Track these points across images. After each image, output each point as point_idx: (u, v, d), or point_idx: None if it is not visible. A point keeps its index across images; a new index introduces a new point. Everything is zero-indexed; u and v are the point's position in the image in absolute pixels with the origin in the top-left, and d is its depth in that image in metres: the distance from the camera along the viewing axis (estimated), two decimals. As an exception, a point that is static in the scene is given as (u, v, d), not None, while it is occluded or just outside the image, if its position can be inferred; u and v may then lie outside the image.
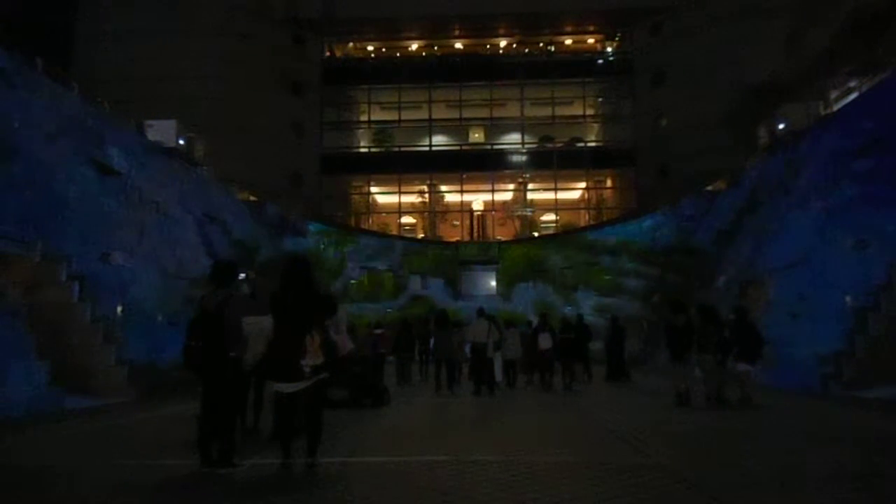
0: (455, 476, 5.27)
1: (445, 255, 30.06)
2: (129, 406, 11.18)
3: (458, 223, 36.95)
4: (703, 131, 29.07)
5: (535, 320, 17.15)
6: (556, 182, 36.55)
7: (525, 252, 29.86)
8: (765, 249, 18.30)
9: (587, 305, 25.20)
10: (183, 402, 10.09)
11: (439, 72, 36.01)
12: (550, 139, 36.87)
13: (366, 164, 37.04)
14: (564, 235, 31.77)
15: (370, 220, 36.86)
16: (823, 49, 23.11)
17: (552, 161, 35.64)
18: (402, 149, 36.69)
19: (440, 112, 36.83)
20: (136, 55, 29.80)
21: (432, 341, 14.88)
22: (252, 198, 27.31)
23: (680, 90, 31.57)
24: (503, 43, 38.23)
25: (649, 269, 25.70)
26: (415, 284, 29.01)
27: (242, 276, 6.78)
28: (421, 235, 36.10)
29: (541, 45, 37.55)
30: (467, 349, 13.68)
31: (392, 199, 37.62)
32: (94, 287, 13.19)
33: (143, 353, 13.48)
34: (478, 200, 37.58)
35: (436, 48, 38.33)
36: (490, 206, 36.94)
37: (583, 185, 37.24)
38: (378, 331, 16.33)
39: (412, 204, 37.64)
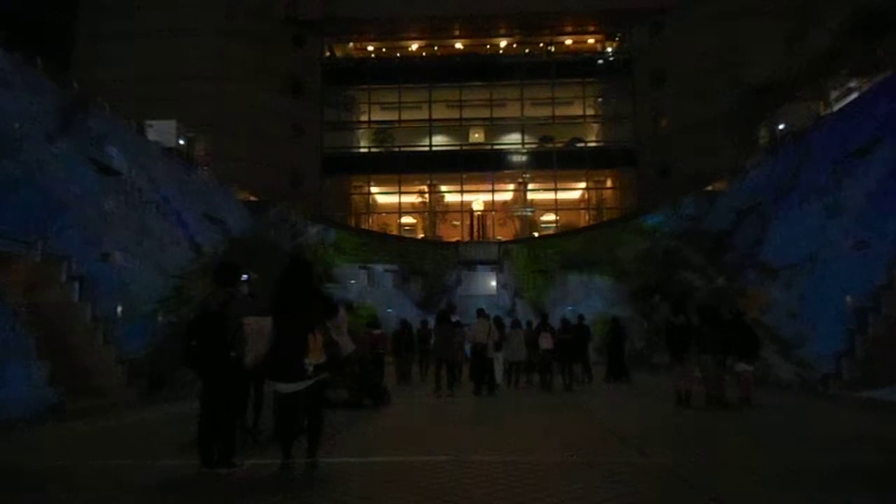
0: (455, 476, 5.26)
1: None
2: (129, 406, 11.18)
3: (458, 223, 36.96)
4: (703, 131, 29.05)
5: (535, 320, 17.15)
6: (556, 182, 36.56)
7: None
8: (765, 249, 18.31)
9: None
10: (183, 402, 10.09)
11: (439, 72, 36.01)
12: (550, 139, 36.87)
13: (366, 164, 37.05)
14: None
15: (370, 220, 36.88)
16: (823, 49, 23.10)
17: (552, 161, 35.65)
18: (402, 149, 36.70)
19: (440, 112, 36.83)
20: (136, 55, 29.80)
21: (432, 341, 14.88)
22: (252, 198, 27.30)
23: (680, 90, 31.57)
24: (503, 43, 38.23)
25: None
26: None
27: (245, 277, 6.78)
28: (421, 235, 36.12)
29: (541, 45, 37.54)
30: (467, 349, 13.67)
31: (392, 199, 37.64)
32: (94, 287, 13.19)
33: (143, 352, 13.48)
34: (478, 200, 37.60)
35: (436, 48, 38.34)
36: (490, 206, 36.95)
37: (583, 185, 37.25)
38: (376, 331, 16.31)
39: (412, 204, 37.65)
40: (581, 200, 37.63)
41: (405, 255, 29.01)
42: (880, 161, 15.06)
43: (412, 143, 37.01)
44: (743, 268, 19.17)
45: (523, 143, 36.54)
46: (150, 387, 12.75)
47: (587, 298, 24.94)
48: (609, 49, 37.41)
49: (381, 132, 37.59)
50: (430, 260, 29.29)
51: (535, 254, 29.03)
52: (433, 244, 32.50)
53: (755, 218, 20.14)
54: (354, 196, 38.08)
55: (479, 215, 37.19)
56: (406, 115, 36.91)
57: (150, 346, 13.86)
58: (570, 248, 28.20)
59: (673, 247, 23.69)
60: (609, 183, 37.85)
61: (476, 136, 37.60)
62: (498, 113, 36.91)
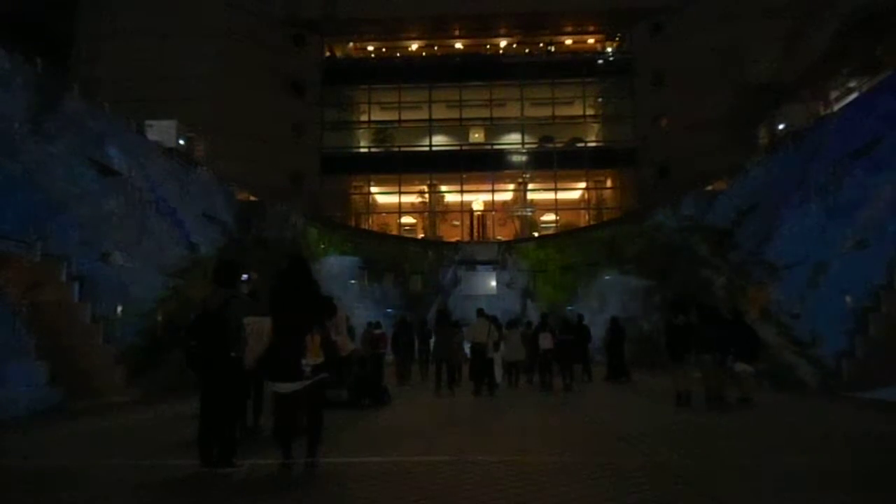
0: (455, 476, 5.27)
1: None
2: (129, 406, 11.18)
3: (458, 223, 36.97)
4: (703, 131, 29.04)
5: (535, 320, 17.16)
6: (556, 182, 36.56)
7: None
8: (765, 249, 18.30)
9: None
10: (183, 402, 10.09)
11: (439, 72, 36.00)
12: (550, 139, 36.88)
13: (366, 164, 37.04)
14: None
15: (370, 220, 36.88)
16: (823, 49, 23.11)
17: (552, 161, 35.65)
18: (402, 149, 36.70)
19: (440, 112, 36.84)
20: (136, 55, 29.77)
21: (432, 341, 14.89)
22: (252, 198, 27.29)
23: (680, 90, 31.55)
24: (503, 43, 38.24)
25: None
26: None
27: (245, 277, 6.78)
28: (421, 235, 36.14)
29: (541, 45, 37.55)
30: (467, 349, 13.68)
31: (392, 199, 37.64)
32: (94, 287, 13.19)
33: (143, 352, 13.48)
34: (478, 200, 37.61)
35: (436, 48, 38.34)
36: (490, 206, 36.96)
37: (583, 185, 37.25)
38: (377, 331, 16.34)
39: (412, 204, 37.65)
40: (581, 200, 37.63)
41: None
42: (880, 160, 15.06)
43: (412, 143, 37.00)
44: (748, 266, 19.10)
45: (523, 143, 36.54)
46: (149, 386, 12.75)
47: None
48: (609, 49, 37.40)
49: (381, 132, 37.60)
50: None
51: (542, 254, 28.70)
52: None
53: (757, 217, 20.13)
54: (354, 196, 38.08)
55: (479, 215, 37.21)
56: (406, 115, 36.91)
57: (150, 345, 13.86)
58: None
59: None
60: (609, 183, 37.84)
61: (476, 136, 37.60)
62: (498, 113, 36.91)
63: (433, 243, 32.19)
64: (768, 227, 18.75)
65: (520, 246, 30.14)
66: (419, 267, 28.88)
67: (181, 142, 23.16)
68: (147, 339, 14.09)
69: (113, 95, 21.79)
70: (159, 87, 28.56)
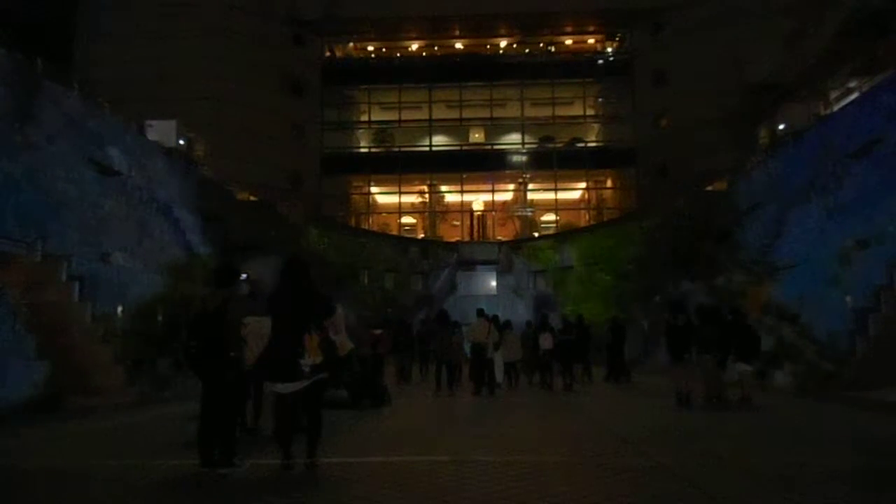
0: (455, 476, 5.26)
1: None
2: (129, 406, 11.17)
3: (458, 223, 36.99)
4: (703, 131, 29.07)
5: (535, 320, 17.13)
6: (556, 182, 36.59)
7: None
8: (765, 249, 18.29)
9: None
10: (183, 402, 10.09)
11: (439, 72, 36.05)
12: (550, 139, 36.91)
13: (366, 164, 37.09)
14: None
15: (370, 220, 36.89)
16: (823, 49, 23.11)
17: (552, 161, 35.68)
18: (402, 149, 36.74)
19: (440, 112, 36.87)
20: (136, 55, 29.82)
21: (432, 342, 14.88)
22: (252, 198, 27.29)
23: (680, 90, 31.58)
24: (503, 43, 38.27)
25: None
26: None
27: (243, 276, 6.78)
28: (421, 235, 36.14)
29: (541, 45, 37.60)
30: (467, 349, 13.68)
31: (392, 199, 37.66)
32: (94, 287, 13.18)
33: (143, 352, 13.47)
34: (478, 200, 37.63)
35: (436, 48, 38.38)
36: (490, 206, 36.98)
37: (583, 185, 37.28)
38: (377, 331, 16.31)
39: (412, 204, 37.69)
40: (581, 200, 37.66)
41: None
42: (880, 161, 15.05)
43: (412, 143, 37.03)
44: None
45: (523, 143, 36.57)
46: (150, 386, 12.74)
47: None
48: (609, 49, 37.45)
49: (381, 132, 37.63)
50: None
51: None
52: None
53: (757, 218, 20.12)
54: (354, 196, 38.13)
55: (479, 215, 37.22)
56: (406, 115, 36.94)
57: (149, 346, 13.84)
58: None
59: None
60: (609, 183, 37.88)
61: (476, 136, 37.64)
62: (498, 113, 36.95)
63: (431, 242, 32.16)
64: (771, 228, 18.74)
65: (526, 245, 29.83)
66: (417, 267, 28.76)
67: (181, 142, 23.18)
68: (146, 339, 14.06)
69: (113, 95, 21.78)
70: (159, 87, 28.59)
